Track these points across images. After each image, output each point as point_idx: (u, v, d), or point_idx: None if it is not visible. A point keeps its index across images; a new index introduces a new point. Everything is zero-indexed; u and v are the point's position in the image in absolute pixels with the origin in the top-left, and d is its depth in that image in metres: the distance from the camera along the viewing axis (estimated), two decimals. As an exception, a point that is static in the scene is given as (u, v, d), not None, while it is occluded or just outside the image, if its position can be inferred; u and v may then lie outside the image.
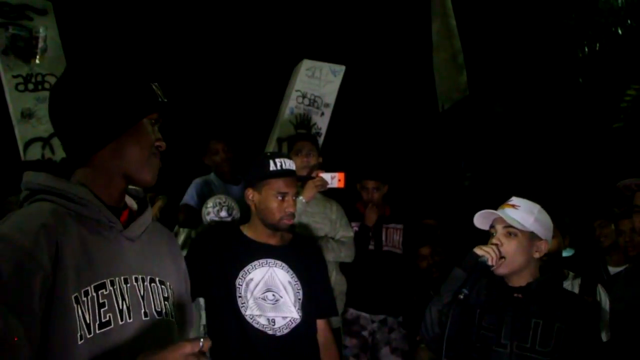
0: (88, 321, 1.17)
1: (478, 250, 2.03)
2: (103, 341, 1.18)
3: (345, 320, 3.96)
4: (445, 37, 6.49)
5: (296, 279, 2.40)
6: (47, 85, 4.19)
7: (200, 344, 1.08)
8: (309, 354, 2.41)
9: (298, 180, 2.76)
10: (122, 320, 1.23)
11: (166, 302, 1.34)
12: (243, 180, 3.97)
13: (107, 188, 1.28)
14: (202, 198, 3.78)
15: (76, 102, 1.23)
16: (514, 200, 2.15)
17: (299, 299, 2.38)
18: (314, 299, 2.44)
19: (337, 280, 3.66)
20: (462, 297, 1.94)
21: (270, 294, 2.35)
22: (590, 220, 3.89)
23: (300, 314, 2.36)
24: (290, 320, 2.35)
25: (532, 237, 2.08)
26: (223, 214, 3.40)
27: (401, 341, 3.96)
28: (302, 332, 2.36)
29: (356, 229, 3.99)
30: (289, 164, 2.39)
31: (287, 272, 2.39)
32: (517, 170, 5.63)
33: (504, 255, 2.04)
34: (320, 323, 2.48)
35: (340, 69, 4.80)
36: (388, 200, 4.21)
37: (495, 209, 2.15)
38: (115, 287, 1.23)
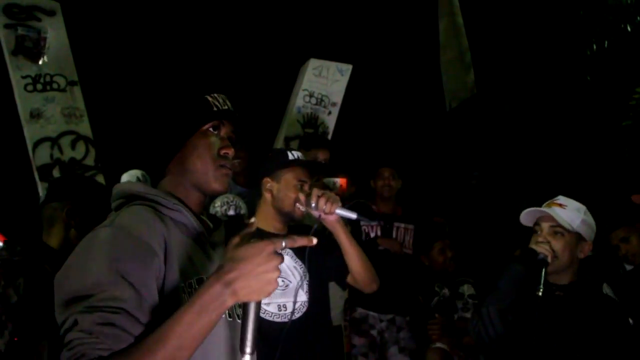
0: None
1: (537, 247, 2.01)
2: None
3: (353, 319, 3.95)
4: (453, 35, 6.48)
5: (300, 264, 2.39)
6: (55, 86, 4.21)
7: (283, 244, 1.06)
8: (321, 338, 2.39)
9: None
10: None
11: (240, 307, 1.40)
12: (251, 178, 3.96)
13: (186, 197, 1.39)
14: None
15: (148, 121, 1.41)
16: (561, 199, 2.12)
17: (307, 283, 2.38)
18: (326, 273, 2.45)
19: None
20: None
21: (279, 280, 2.34)
22: (608, 223, 3.81)
23: (307, 297, 2.36)
24: (301, 304, 2.34)
25: (578, 237, 2.07)
26: (231, 212, 3.41)
27: (409, 341, 3.95)
28: (314, 315, 2.36)
29: (365, 229, 3.97)
30: (303, 156, 2.46)
31: (292, 257, 2.40)
32: (524, 169, 5.61)
33: (555, 254, 2.03)
34: None
35: (347, 68, 4.80)
36: (399, 200, 4.18)
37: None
38: None
